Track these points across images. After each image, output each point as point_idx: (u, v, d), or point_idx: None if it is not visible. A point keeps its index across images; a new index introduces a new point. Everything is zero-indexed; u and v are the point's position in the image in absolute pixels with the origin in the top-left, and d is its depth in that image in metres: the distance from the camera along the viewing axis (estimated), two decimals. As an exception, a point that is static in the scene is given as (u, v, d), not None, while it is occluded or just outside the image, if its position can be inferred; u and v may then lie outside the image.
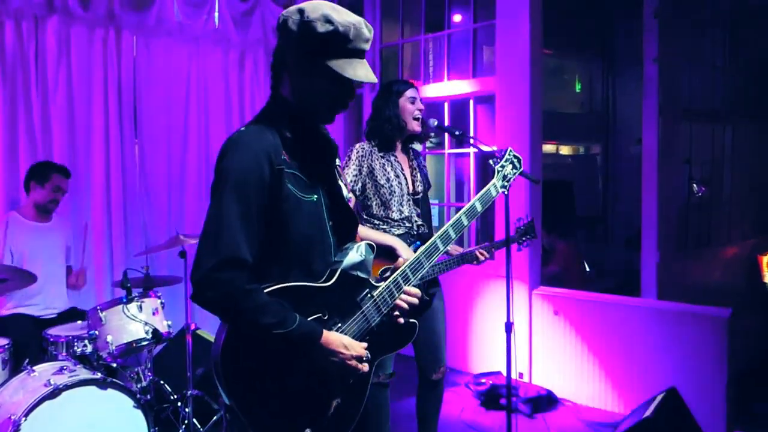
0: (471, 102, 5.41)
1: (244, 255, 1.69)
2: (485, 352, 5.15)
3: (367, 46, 1.82)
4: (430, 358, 3.28)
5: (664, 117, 5.87)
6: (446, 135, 5.62)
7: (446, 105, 5.60)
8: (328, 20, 1.74)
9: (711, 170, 6.75)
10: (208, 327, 5.00)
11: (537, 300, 4.87)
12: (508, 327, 2.99)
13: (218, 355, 1.74)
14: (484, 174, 5.97)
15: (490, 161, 2.53)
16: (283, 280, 1.80)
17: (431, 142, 5.62)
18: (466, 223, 2.25)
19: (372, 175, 3.13)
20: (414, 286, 2.81)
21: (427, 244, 2.14)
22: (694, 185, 6.52)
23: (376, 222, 3.16)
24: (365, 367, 1.86)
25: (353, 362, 1.82)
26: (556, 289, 4.90)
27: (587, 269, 7.10)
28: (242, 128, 1.85)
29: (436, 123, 3.20)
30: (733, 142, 6.91)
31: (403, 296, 2.00)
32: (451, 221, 2.22)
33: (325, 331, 1.80)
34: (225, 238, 1.68)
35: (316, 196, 1.87)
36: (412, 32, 5.92)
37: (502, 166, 2.49)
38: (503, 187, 2.48)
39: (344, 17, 1.77)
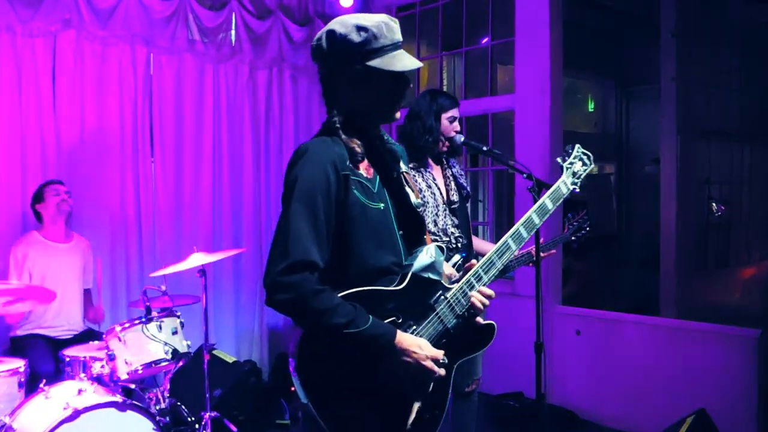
0: (489, 120, 5.36)
1: (313, 257, 1.73)
2: (506, 372, 5.04)
3: (400, 36, 1.89)
4: (465, 369, 3.20)
5: (682, 136, 5.84)
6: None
7: (463, 122, 5.55)
8: (360, 27, 1.83)
9: (730, 190, 6.69)
10: (225, 347, 4.94)
11: (558, 319, 4.78)
12: (538, 347, 2.93)
13: (294, 355, 1.76)
14: (499, 191, 5.93)
15: (558, 159, 2.47)
16: (354, 287, 1.80)
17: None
18: (537, 221, 2.20)
19: None
20: None
21: (499, 243, 2.09)
22: (713, 205, 6.46)
23: None
24: (442, 371, 1.83)
25: (428, 362, 1.80)
26: (578, 309, 4.82)
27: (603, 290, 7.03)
28: (307, 141, 1.89)
29: (462, 139, 3.15)
30: (752, 162, 6.85)
31: (477, 294, 1.97)
32: (521, 220, 2.17)
33: (399, 332, 1.79)
34: (293, 242, 1.72)
35: (383, 204, 1.89)
36: (429, 51, 5.90)
37: (571, 163, 2.44)
38: (574, 183, 2.42)
39: (371, 19, 1.85)
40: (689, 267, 5.90)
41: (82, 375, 3.37)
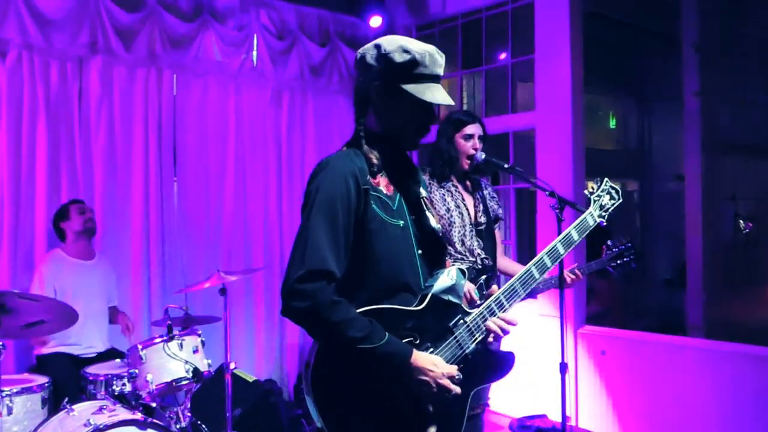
0: (510, 138, 5.34)
1: (330, 267, 1.73)
2: (529, 394, 4.98)
3: (441, 72, 1.91)
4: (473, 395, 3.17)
5: (707, 152, 5.77)
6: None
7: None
8: (405, 50, 1.85)
9: (757, 206, 6.58)
10: (246, 366, 4.93)
11: (582, 339, 4.71)
12: (563, 368, 2.89)
13: (309, 373, 1.75)
14: (520, 210, 5.89)
15: (585, 191, 2.50)
16: (371, 304, 1.79)
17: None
18: (561, 251, 2.20)
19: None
20: None
21: (523, 271, 2.08)
22: (741, 222, 6.36)
23: None
24: (458, 388, 1.80)
25: (444, 381, 1.77)
26: (602, 329, 4.75)
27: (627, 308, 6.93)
28: (330, 154, 1.92)
29: (483, 156, 3.13)
30: (780, 178, 6.75)
31: (496, 320, 1.95)
32: (546, 249, 2.17)
33: (414, 351, 1.77)
34: (311, 251, 1.73)
35: (402, 222, 1.90)
36: (448, 69, 5.90)
37: (599, 196, 2.46)
38: (601, 216, 2.43)
39: (419, 46, 1.88)
40: (717, 285, 5.80)
41: (105, 393, 3.39)
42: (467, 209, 3.13)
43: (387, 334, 1.74)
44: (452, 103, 1.93)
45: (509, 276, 3.30)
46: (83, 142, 4.46)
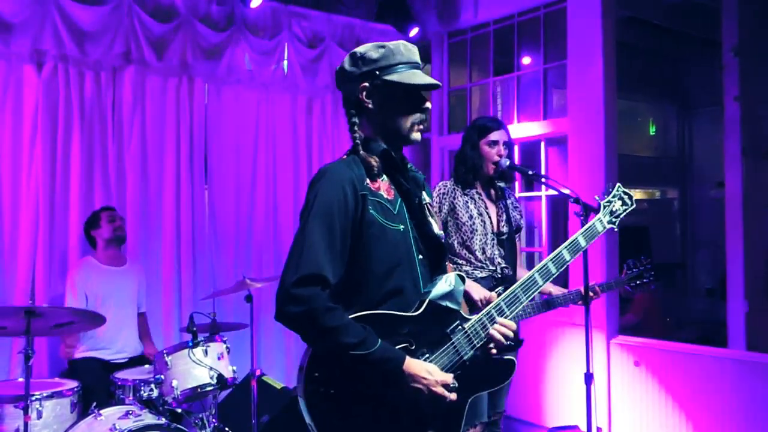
0: (542, 144, 5.27)
1: (325, 273, 1.73)
2: (561, 404, 4.88)
3: (419, 60, 1.98)
4: (488, 404, 3.12)
5: (748, 158, 5.60)
6: (517, 178, 5.50)
7: (516, 148, 5.48)
8: (380, 46, 1.93)
9: (801, 214, 6.35)
10: (274, 373, 4.94)
11: (615, 350, 4.60)
12: (588, 378, 2.83)
13: (302, 376, 1.77)
14: (555, 218, 5.80)
15: (596, 197, 2.44)
16: (369, 309, 1.80)
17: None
18: (568, 258, 2.15)
19: (453, 213, 3.07)
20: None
21: (525, 277, 2.04)
22: (784, 230, 6.14)
23: (460, 262, 3.08)
24: (453, 395, 1.78)
25: (439, 389, 1.76)
26: (636, 339, 4.63)
27: (667, 319, 6.76)
28: (330, 162, 1.94)
29: (508, 163, 3.11)
30: (824, 184, 6.50)
31: (497, 326, 1.92)
32: (551, 255, 2.12)
33: (408, 358, 1.76)
34: (306, 256, 1.74)
35: (402, 226, 1.89)
36: (480, 76, 5.86)
37: (609, 202, 2.40)
38: (611, 222, 2.37)
39: (381, 44, 1.94)
40: (759, 295, 5.61)
41: (133, 398, 3.43)
42: (490, 217, 3.10)
43: (380, 340, 1.73)
44: (440, 84, 1.96)
45: None
46: (116, 151, 4.55)
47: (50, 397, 3.25)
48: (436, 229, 2.00)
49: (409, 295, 1.87)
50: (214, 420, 3.58)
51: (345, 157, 1.96)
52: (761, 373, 3.93)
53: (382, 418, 1.76)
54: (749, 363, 4.04)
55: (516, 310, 1.97)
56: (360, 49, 1.94)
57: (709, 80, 6.86)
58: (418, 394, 1.75)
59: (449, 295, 1.89)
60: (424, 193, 2.05)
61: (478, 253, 3.06)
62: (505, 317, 1.95)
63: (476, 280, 3.02)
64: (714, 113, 6.53)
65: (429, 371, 1.77)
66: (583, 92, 4.78)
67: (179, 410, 3.48)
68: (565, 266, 2.15)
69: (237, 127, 5.06)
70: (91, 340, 3.96)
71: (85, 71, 4.43)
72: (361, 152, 1.90)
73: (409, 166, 2.03)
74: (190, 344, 3.41)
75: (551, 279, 2.10)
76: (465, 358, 1.88)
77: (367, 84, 1.90)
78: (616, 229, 2.41)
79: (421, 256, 1.93)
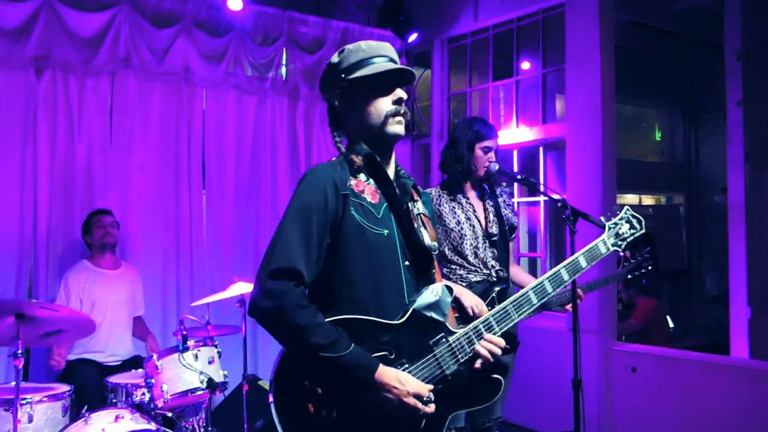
0: (541, 149, 5.25)
1: (299, 267, 1.71)
2: (557, 409, 4.84)
3: (387, 53, 1.91)
4: (483, 409, 3.07)
5: (751, 163, 5.55)
6: (518, 184, 5.49)
7: (515, 152, 5.47)
8: (339, 51, 1.93)
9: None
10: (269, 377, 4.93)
11: (614, 356, 4.56)
12: (576, 385, 2.80)
13: (271, 378, 1.73)
14: (559, 223, 5.77)
15: (602, 217, 2.34)
16: (348, 313, 1.75)
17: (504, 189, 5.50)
18: (566, 278, 2.07)
19: (441, 220, 3.05)
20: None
21: (519, 294, 1.97)
22: (787, 235, 6.08)
23: (453, 267, 3.06)
24: (428, 408, 1.72)
25: (410, 399, 1.69)
26: (635, 345, 4.60)
27: (671, 326, 6.70)
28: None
29: (497, 168, 3.09)
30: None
31: (484, 343, 1.85)
32: (548, 273, 2.05)
33: (381, 366, 1.70)
34: (280, 251, 1.71)
35: (387, 231, 1.84)
36: (480, 80, 5.86)
37: (615, 224, 2.30)
38: (616, 245, 2.27)
39: (355, 44, 1.92)
40: (762, 301, 5.54)
41: (125, 402, 3.43)
42: (478, 220, 3.08)
43: (353, 345, 1.68)
44: (406, 69, 1.88)
45: (520, 287, 3.23)
46: (115, 155, 4.58)
47: (41, 401, 3.25)
48: (427, 238, 1.94)
49: (392, 302, 1.81)
50: (204, 425, 3.57)
51: (332, 159, 1.93)
52: (762, 382, 3.87)
53: (352, 427, 1.71)
54: (749, 371, 3.98)
55: (505, 327, 1.91)
56: (332, 58, 1.94)
57: (716, 85, 6.81)
58: (389, 405, 1.69)
59: (434, 306, 1.83)
60: (420, 203, 2.00)
61: (471, 258, 3.04)
62: (494, 334, 1.88)
63: (471, 284, 3.00)
64: (721, 118, 6.47)
65: (401, 381, 1.70)
66: (581, 97, 4.76)
67: (170, 414, 3.48)
68: (562, 286, 2.07)
69: (235, 132, 5.08)
70: (85, 343, 3.96)
71: (84, 77, 4.46)
72: (343, 150, 1.90)
73: (401, 171, 1.99)
74: (180, 348, 3.41)
75: (547, 298, 2.03)
76: (447, 372, 1.81)
77: (336, 90, 1.89)
78: (621, 253, 2.34)
79: (407, 263, 1.86)
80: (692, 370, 4.18)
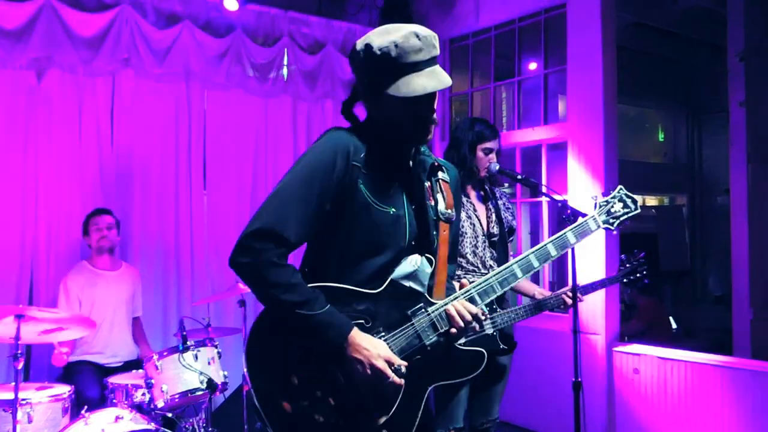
0: (543, 149, 5.24)
1: (285, 232, 1.68)
2: (559, 411, 4.82)
3: (421, 56, 1.73)
4: (481, 410, 3.12)
5: (753, 164, 5.53)
6: (520, 184, 5.47)
7: (517, 152, 5.46)
8: (367, 46, 1.75)
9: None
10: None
11: (617, 357, 4.55)
12: (576, 386, 2.79)
13: (247, 334, 1.74)
14: (559, 222, 5.76)
15: (593, 195, 2.33)
16: (334, 281, 1.75)
17: (505, 189, 5.49)
18: (553, 253, 2.03)
19: None
20: (488, 336, 2.65)
21: (503, 267, 1.94)
22: (790, 236, 6.05)
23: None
24: (397, 379, 1.69)
25: (379, 363, 1.66)
26: (638, 346, 4.57)
27: (674, 327, 6.68)
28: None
29: (498, 168, 3.08)
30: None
31: (456, 304, 1.81)
32: (535, 248, 2.02)
33: (356, 329, 1.69)
34: (274, 209, 1.70)
35: (393, 209, 1.79)
36: (482, 81, 5.85)
37: (607, 202, 2.27)
38: (607, 223, 2.23)
39: (384, 38, 1.73)
40: (765, 302, 5.52)
41: (125, 402, 3.43)
42: (479, 220, 3.08)
43: (329, 305, 1.67)
44: (445, 84, 1.75)
45: (516, 289, 3.22)
46: (115, 156, 4.58)
47: (41, 401, 3.25)
48: (442, 205, 1.90)
49: (382, 279, 1.78)
50: (204, 425, 3.57)
51: (354, 126, 1.87)
52: (765, 382, 3.85)
53: (321, 389, 1.69)
54: (752, 371, 3.96)
55: (487, 300, 1.87)
56: (359, 44, 1.79)
57: (718, 86, 6.80)
58: (357, 366, 1.67)
59: (413, 276, 1.80)
60: (440, 173, 1.95)
61: (469, 257, 3.03)
62: (476, 305, 1.84)
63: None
64: (723, 119, 6.46)
65: (374, 345, 1.68)
66: (583, 97, 4.74)
67: (170, 415, 3.48)
68: (548, 261, 2.03)
69: (236, 133, 5.08)
70: (85, 345, 3.97)
71: (85, 77, 4.47)
72: (364, 136, 1.81)
73: (422, 149, 1.91)
74: (180, 349, 3.41)
75: (532, 273, 2.00)
76: (427, 343, 1.78)
77: (380, 78, 1.74)
78: (614, 231, 2.30)
79: (413, 243, 1.82)
80: (697, 372, 4.16)
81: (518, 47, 5.42)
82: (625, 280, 3.17)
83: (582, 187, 4.68)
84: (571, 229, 2.11)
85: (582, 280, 3.11)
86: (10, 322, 3.00)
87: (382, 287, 1.77)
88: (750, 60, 5.49)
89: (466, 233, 3.02)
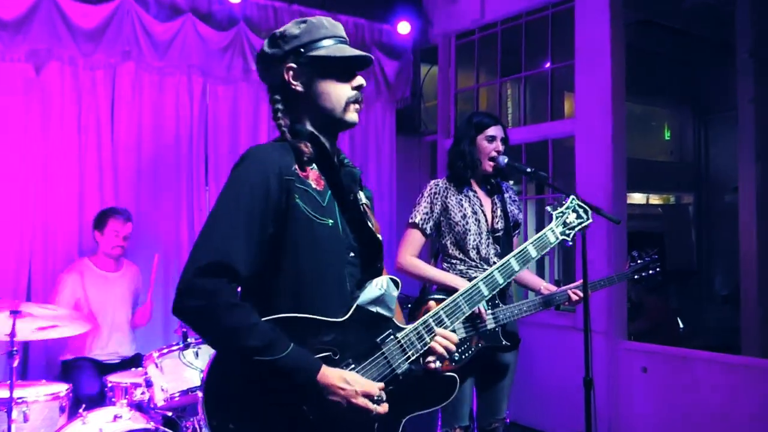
0: (549, 146, 5.16)
1: (234, 264, 1.51)
2: (568, 409, 4.75)
3: (335, 32, 1.77)
4: (488, 409, 3.06)
5: (762, 161, 5.46)
6: (526, 180, 5.41)
7: (523, 148, 5.38)
8: (299, 21, 1.77)
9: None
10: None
11: (624, 355, 4.47)
12: (587, 384, 2.71)
13: (203, 383, 1.55)
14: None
15: (547, 207, 2.42)
16: (288, 312, 1.58)
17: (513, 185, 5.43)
18: (516, 268, 2.12)
19: (446, 213, 2.97)
20: (492, 330, 2.54)
21: (469, 285, 1.95)
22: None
23: (454, 262, 2.98)
24: (381, 408, 1.58)
25: (360, 400, 1.54)
26: (646, 344, 4.50)
27: (680, 326, 6.60)
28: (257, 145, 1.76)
29: (506, 161, 3.00)
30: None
31: (438, 338, 1.74)
32: (498, 265, 2.08)
33: (324, 367, 1.54)
34: (216, 241, 1.53)
35: (332, 221, 1.69)
36: (487, 77, 5.77)
37: (562, 213, 2.38)
38: (564, 234, 2.34)
39: (317, 18, 1.78)
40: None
41: (123, 401, 3.36)
42: (485, 214, 3.00)
43: (292, 345, 1.51)
44: (370, 57, 1.79)
45: (521, 284, 3.15)
46: (115, 151, 4.51)
47: (37, 400, 3.18)
48: (374, 229, 1.81)
49: (335, 297, 1.67)
50: (203, 423, 3.49)
51: (274, 141, 1.75)
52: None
53: None
54: (762, 370, 3.89)
55: (456, 321, 1.84)
56: (280, 30, 1.76)
57: (725, 84, 6.73)
58: (337, 408, 1.54)
59: (380, 301, 1.71)
60: (362, 193, 1.85)
61: (472, 253, 2.96)
62: (445, 328, 1.78)
63: (471, 280, 2.93)
64: (731, 117, 6.39)
65: (348, 381, 1.55)
66: (590, 94, 4.66)
67: (170, 413, 3.41)
68: (513, 276, 2.11)
69: (237, 126, 5.00)
70: (82, 343, 3.90)
71: (85, 70, 4.40)
72: (289, 138, 1.70)
73: (345, 160, 1.84)
74: (181, 346, 3.33)
75: (498, 289, 2.05)
76: (398, 371, 1.68)
77: (292, 64, 1.72)
78: (570, 243, 2.39)
79: (352, 254, 1.73)
80: (703, 370, 4.09)
81: (525, 42, 5.35)
82: (636, 277, 3.09)
83: (589, 183, 4.60)
84: (532, 243, 2.22)
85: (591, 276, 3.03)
86: (5, 319, 2.93)
87: (348, 315, 1.66)
88: (760, 57, 5.41)
89: (470, 230, 2.96)
